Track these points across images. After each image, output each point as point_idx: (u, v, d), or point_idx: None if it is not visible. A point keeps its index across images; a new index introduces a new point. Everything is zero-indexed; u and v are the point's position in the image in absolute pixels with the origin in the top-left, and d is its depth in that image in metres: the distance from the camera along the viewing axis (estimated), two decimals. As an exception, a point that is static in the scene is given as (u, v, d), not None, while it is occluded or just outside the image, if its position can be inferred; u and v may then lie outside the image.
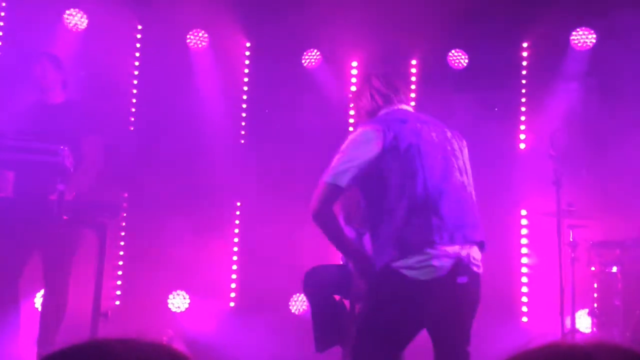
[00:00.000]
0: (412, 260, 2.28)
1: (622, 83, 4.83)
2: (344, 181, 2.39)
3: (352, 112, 5.56)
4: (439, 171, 2.42)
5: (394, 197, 2.36)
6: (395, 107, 2.59)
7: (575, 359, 0.53)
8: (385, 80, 2.66)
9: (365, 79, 2.74)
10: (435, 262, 2.27)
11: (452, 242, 2.30)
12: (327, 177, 2.40)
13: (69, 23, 5.21)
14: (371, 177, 2.39)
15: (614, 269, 3.81)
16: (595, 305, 3.98)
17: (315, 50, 5.60)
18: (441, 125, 2.57)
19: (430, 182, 2.38)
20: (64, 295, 3.52)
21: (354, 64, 5.64)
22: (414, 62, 5.60)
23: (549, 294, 4.34)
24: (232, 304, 5.31)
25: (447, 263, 2.29)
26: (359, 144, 2.42)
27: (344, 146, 2.45)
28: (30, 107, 3.69)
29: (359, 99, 2.66)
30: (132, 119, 5.41)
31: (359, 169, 2.39)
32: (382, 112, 2.59)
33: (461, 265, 2.31)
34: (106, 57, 5.10)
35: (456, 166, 2.48)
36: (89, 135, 3.65)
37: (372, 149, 2.39)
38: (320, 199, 2.40)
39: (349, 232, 3.66)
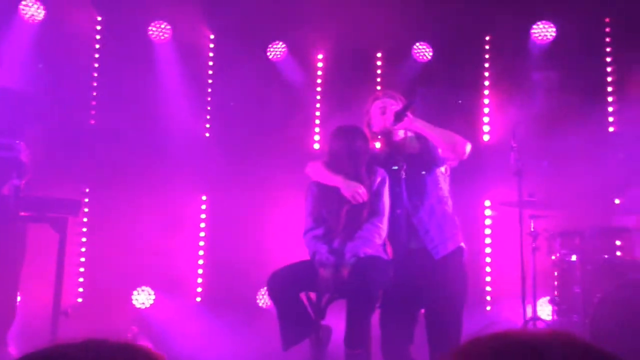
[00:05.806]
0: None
1: (581, 75, 4.94)
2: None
3: (318, 105, 5.56)
4: None
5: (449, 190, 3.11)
6: None
7: (524, 350, 0.53)
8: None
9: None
10: None
11: None
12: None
13: (26, 14, 5.05)
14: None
15: (574, 258, 3.90)
16: (556, 293, 4.07)
17: (281, 43, 5.56)
18: None
19: None
20: (13, 294, 3.39)
21: (320, 56, 5.63)
22: (379, 54, 5.62)
23: (511, 283, 4.42)
24: (198, 299, 5.26)
25: None
26: None
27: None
28: None
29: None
30: (93, 112, 5.29)
31: None
32: None
33: None
34: (65, 49, 4.97)
35: None
36: (28, 126, 3.47)
37: None
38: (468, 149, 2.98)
39: (324, 246, 3.40)
